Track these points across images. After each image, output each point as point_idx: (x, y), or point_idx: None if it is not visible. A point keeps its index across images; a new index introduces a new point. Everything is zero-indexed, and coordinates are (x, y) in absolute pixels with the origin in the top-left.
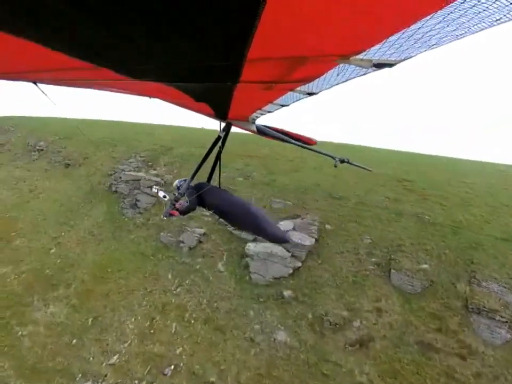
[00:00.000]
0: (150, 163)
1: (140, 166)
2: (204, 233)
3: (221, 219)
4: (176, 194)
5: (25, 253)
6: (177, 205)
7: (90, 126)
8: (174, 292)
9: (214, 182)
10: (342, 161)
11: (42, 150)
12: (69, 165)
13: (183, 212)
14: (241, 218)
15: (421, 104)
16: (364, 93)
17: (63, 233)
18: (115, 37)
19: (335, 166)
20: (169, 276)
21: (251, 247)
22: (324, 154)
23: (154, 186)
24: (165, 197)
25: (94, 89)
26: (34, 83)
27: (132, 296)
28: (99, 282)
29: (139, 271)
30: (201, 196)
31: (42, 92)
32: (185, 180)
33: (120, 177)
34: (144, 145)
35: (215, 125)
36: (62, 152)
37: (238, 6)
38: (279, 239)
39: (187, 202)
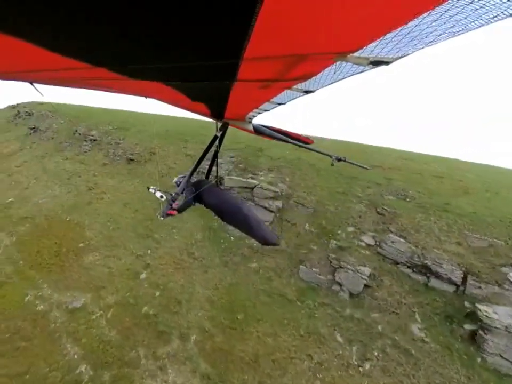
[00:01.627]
0: (240, 165)
1: (229, 168)
2: (371, 274)
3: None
4: (173, 194)
5: (104, 276)
6: (174, 205)
7: (147, 118)
8: (360, 368)
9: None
10: (339, 160)
11: (95, 140)
12: (132, 160)
13: (180, 210)
14: (233, 219)
15: (415, 101)
16: (356, 89)
17: (149, 251)
18: (112, 38)
19: (332, 165)
20: (339, 338)
21: (490, 313)
22: (321, 153)
23: (152, 187)
24: (162, 197)
25: (90, 89)
26: (31, 83)
27: (294, 368)
28: (233, 337)
29: (288, 325)
30: (199, 194)
31: (39, 92)
32: (184, 177)
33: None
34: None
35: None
36: (122, 145)
37: (235, 5)
38: (269, 242)
39: (184, 201)
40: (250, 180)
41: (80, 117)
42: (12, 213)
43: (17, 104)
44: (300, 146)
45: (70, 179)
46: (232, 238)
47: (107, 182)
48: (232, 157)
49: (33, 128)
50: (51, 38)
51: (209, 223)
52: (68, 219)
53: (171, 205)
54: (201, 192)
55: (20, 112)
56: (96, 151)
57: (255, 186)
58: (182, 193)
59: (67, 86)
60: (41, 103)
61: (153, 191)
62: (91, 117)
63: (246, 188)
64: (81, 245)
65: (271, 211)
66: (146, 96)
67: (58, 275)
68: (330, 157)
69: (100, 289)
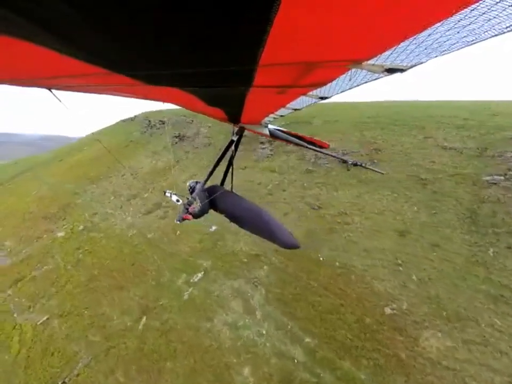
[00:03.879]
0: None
1: (474, 164)
2: None
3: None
4: (189, 198)
5: None
6: (190, 209)
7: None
8: None
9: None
10: (355, 165)
11: (273, 141)
12: (344, 161)
13: (196, 216)
14: (253, 224)
15: None
16: None
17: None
18: (131, 44)
19: (348, 170)
20: None
21: None
22: (336, 157)
23: (168, 191)
24: (178, 201)
25: (107, 94)
26: (49, 89)
27: None
28: None
29: None
30: (214, 200)
31: (57, 98)
32: (197, 182)
33: None
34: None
35: None
36: None
37: (251, 11)
38: (291, 245)
39: (200, 206)
40: None
41: None
42: (230, 246)
43: (135, 116)
44: (315, 150)
45: (273, 195)
46: None
47: (334, 196)
48: (466, 147)
49: (178, 136)
50: (69, 45)
51: None
52: (318, 257)
53: (187, 209)
54: (216, 199)
55: (150, 122)
56: (282, 154)
57: None
58: (196, 198)
59: (85, 92)
60: (160, 111)
61: (169, 195)
62: None
63: None
64: (389, 310)
65: None
66: (163, 101)
67: (396, 378)
68: (346, 162)
69: None
